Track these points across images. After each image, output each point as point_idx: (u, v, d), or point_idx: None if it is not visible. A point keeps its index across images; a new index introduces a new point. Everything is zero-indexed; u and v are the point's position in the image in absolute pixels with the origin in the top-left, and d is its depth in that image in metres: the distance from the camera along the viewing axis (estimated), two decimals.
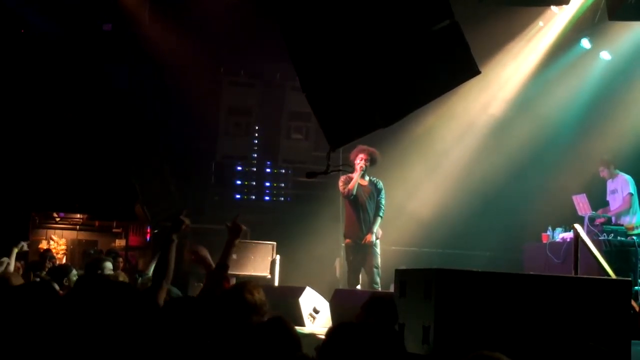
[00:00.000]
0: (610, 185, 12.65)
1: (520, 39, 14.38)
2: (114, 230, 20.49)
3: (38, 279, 10.29)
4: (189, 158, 16.75)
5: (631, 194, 12.27)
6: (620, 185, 12.44)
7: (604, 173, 12.62)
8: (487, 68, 13.18)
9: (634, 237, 11.64)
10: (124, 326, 3.85)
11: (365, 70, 5.28)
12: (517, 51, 14.56)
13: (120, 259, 14.06)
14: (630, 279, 8.04)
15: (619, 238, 11.56)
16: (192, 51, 15.07)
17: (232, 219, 6.68)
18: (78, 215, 20.32)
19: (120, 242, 19.87)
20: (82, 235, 21.12)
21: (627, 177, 12.46)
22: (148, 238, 18.46)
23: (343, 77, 5.63)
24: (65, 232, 21.06)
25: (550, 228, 12.53)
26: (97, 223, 20.70)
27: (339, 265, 15.01)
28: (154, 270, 5.64)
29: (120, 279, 8.28)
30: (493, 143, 14.96)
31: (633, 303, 7.82)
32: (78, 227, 20.91)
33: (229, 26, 14.79)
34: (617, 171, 12.59)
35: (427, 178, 15.40)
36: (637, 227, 12.03)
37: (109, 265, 8.54)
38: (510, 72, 14.82)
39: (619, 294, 6.85)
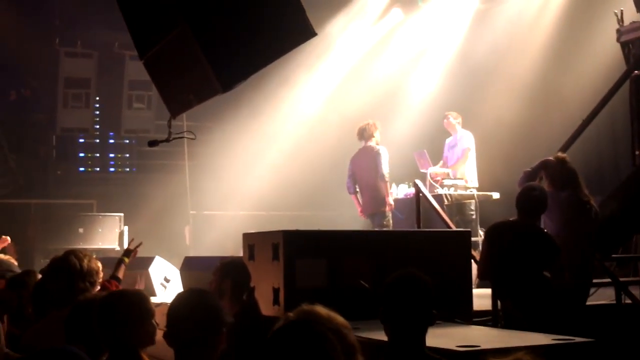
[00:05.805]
0: (451, 140, 12.87)
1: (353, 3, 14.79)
2: None
3: None
4: (28, 132, 16.26)
5: (469, 149, 12.55)
6: (461, 140, 12.66)
7: (448, 122, 12.73)
8: (324, 31, 13.38)
9: (472, 190, 12.01)
10: None
11: (198, 35, 5.26)
12: (352, 17, 14.97)
13: None
14: (469, 230, 8.35)
15: (458, 191, 11.92)
16: (25, 22, 14.59)
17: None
18: None
19: None
20: None
21: (469, 133, 12.68)
22: None
23: (177, 43, 5.60)
24: None
25: (394, 185, 12.69)
26: None
27: (188, 233, 14.96)
28: None
29: None
30: (338, 104, 15.22)
31: (473, 252, 8.14)
32: None
33: None
34: (460, 127, 12.76)
35: (275, 140, 15.48)
36: (473, 181, 12.35)
37: None
38: (345, 36, 15.18)
39: (460, 245, 7.16)
